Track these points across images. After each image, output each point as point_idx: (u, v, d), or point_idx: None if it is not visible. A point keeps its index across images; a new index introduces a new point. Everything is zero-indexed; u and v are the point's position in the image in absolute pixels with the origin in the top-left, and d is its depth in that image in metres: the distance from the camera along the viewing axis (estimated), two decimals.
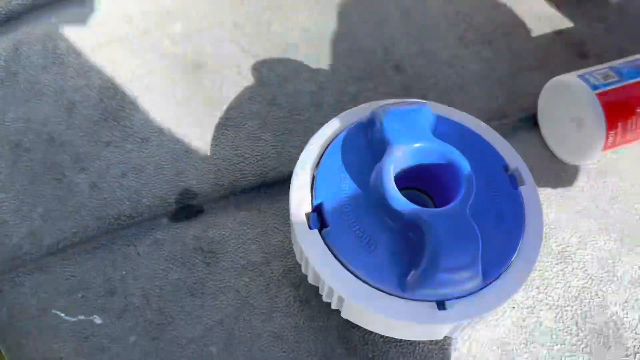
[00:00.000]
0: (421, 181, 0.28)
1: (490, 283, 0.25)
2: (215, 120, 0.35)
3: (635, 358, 0.30)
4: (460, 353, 0.29)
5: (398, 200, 0.25)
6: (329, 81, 0.37)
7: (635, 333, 0.30)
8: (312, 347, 0.29)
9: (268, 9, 0.39)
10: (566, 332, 0.30)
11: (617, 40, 0.40)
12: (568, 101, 0.33)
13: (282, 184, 0.33)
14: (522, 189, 0.28)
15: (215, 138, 0.34)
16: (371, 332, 0.29)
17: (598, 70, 0.33)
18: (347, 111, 0.29)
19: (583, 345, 0.30)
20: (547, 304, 0.31)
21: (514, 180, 0.28)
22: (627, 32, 0.41)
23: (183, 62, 0.37)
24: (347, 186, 0.27)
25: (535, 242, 0.26)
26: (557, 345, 0.30)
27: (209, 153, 0.34)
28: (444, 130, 0.29)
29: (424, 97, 0.37)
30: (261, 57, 0.37)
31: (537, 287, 0.31)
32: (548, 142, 0.36)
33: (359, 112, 0.29)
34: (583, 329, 0.30)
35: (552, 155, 0.35)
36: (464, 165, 0.26)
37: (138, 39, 0.38)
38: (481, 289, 0.25)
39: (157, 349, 0.29)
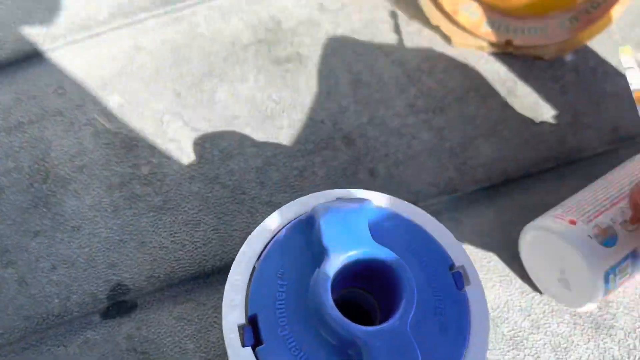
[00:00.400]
0: (363, 280, 0.27)
1: None
2: (152, 204, 0.33)
3: None
4: None
5: (335, 318, 0.23)
6: (275, 156, 0.35)
7: None
8: None
9: (212, 77, 0.38)
10: None
11: (572, 100, 0.40)
12: (566, 264, 0.30)
13: (223, 272, 0.31)
14: (467, 288, 0.27)
15: (151, 224, 0.32)
16: None
17: (621, 260, 0.28)
18: (288, 205, 0.28)
19: None
20: None
21: (459, 280, 0.27)
22: (582, 91, 0.40)
23: (119, 140, 0.35)
24: (284, 295, 0.25)
25: (480, 352, 0.25)
26: None
27: (144, 241, 0.32)
28: (388, 226, 0.27)
29: (372, 171, 0.35)
30: (203, 130, 0.35)
31: None
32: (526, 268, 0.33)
33: (300, 207, 0.28)
34: None
35: (506, 230, 0.34)
36: (406, 278, 0.24)
37: (72, 114, 0.35)
38: None
39: None
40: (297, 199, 0.28)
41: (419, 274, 0.26)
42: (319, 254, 0.25)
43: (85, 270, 0.31)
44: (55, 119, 0.35)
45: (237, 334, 0.24)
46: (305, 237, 0.26)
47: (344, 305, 0.25)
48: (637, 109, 0.27)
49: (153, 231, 0.32)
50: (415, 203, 0.35)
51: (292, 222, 0.27)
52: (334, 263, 0.24)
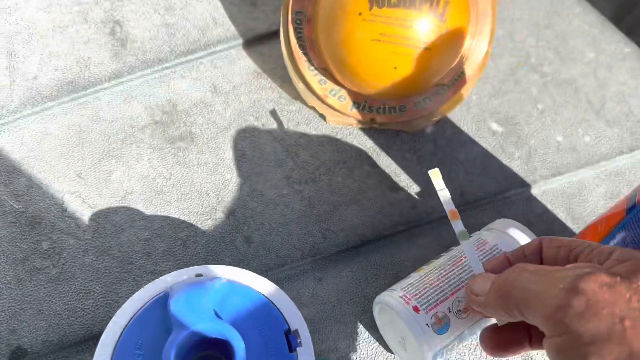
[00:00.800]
0: (215, 346, 0.33)
1: None
2: (50, 276, 0.38)
3: None
4: None
5: None
6: (162, 227, 0.41)
7: None
8: None
9: (111, 158, 0.43)
10: None
11: (426, 169, 0.46)
12: (406, 338, 0.35)
13: None
14: (299, 350, 0.33)
15: (48, 294, 0.38)
16: None
17: (449, 343, 0.34)
18: (151, 284, 0.34)
19: None
20: None
21: (293, 342, 0.33)
22: (437, 160, 0.47)
23: (24, 218, 0.40)
24: None
25: None
26: None
27: (41, 309, 0.37)
28: (234, 299, 0.33)
29: (248, 238, 0.41)
30: (99, 207, 0.41)
31: None
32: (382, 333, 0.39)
33: (162, 285, 0.34)
34: None
35: (359, 287, 0.41)
36: (239, 348, 0.30)
37: None
38: None
39: None
40: (160, 277, 0.34)
41: (257, 338, 0.32)
42: (171, 328, 0.31)
43: None
44: None
45: None
46: (162, 312, 0.32)
47: None
48: (452, 224, 0.32)
49: (49, 300, 0.37)
50: (282, 266, 0.41)
51: (153, 299, 0.33)
52: (179, 337, 0.30)
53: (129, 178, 0.43)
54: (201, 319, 0.31)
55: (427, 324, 0.34)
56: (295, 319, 0.34)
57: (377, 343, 0.39)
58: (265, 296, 0.34)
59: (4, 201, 0.41)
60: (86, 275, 0.39)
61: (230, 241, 0.41)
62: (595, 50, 0.54)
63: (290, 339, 0.33)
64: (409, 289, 0.35)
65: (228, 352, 0.32)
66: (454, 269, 0.36)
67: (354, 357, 0.38)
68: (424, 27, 0.39)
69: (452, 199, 0.45)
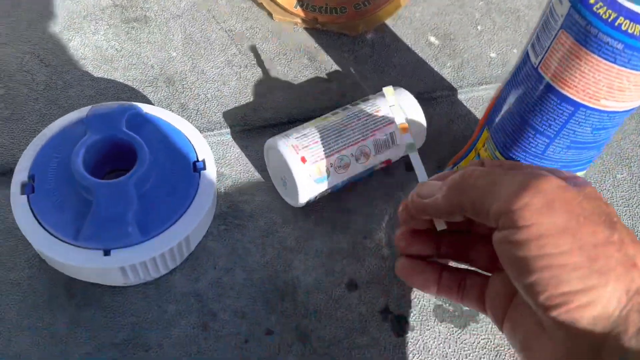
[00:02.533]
0: (124, 162, 0.37)
1: (152, 238, 0.34)
2: (3, 115, 0.43)
3: None
4: (161, 299, 0.37)
5: (79, 171, 0.33)
6: (107, 88, 0.45)
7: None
8: (41, 292, 0.37)
9: (71, 30, 0.48)
10: (251, 287, 0.38)
11: (362, 68, 0.50)
12: (289, 181, 0.40)
13: None
14: (203, 173, 0.36)
15: None
16: (92, 282, 0.37)
17: (326, 188, 0.39)
18: (78, 110, 0.38)
19: (261, 297, 0.38)
20: (242, 267, 0.39)
21: (198, 166, 0.37)
22: (373, 62, 0.51)
23: None
24: (55, 163, 0.35)
25: (200, 211, 0.35)
26: (241, 297, 0.38)
27: None
28: (151, 127, 0.37)
29: (184, 105, 0.46)
30: (53, 66, 0.46)
31: (239, 254, 0.40)
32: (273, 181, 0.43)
33: (84, 111, 0.38)
34: (266, 286, 0.39)
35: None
36: (141, 151, 0.34)
37: None
38: (142, 242, 0.33)
39: None
40: (92, 105, 0.38)
41: (165, 159, 0.36)
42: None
43: None
44: None
45: (20, 187, 0.34)
46: (84, 129, 0.37)
47: None
48: (401, 137, 0.36)
49: None
50: (211, 130, 0.45)
51: (78, 119, 0.37)
52: (89, 139, 0.34)
53: (84, 47, 0.47)
54: (112, 128, 0.35)
55: (309, 175, 0.38)
56: (205, 151, 0.38)
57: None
58: (180, 130, 0.38)
59: None
60: (33, 118, 0.43)
61: (167, 105, 0.45)
62: None
63: (197, 164, 0.37)
64: (302, 140, 0.39)
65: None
66: (346, 130, 0.40)
67: (265, 209, 0.42)
68: None
69: (374, 90, 0.49)
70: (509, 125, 0.36)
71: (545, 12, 0.32)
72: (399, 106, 0.36)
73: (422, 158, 0.34)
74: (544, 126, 0.33)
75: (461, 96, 0.50)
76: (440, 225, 0.32)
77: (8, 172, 0.41)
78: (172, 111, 0.45)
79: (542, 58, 0.32)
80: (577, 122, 0.32)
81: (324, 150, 0.39)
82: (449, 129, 0.48)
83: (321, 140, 0.39)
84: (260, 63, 0.49)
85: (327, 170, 0.39)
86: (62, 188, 0.34)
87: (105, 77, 0.46)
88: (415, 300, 0.39)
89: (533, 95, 0.33)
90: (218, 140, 0.44)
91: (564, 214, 0.24)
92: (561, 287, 0.24)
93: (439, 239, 0.33)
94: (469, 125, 0.48)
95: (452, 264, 0.34)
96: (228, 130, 0.45)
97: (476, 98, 0.50)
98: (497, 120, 0.37)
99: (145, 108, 0.38)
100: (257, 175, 0.43)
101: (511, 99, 0.35)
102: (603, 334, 0.23)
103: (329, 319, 0.38)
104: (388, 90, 0.37)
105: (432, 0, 0.55)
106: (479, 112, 0.49)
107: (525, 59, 0.34)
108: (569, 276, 0.24)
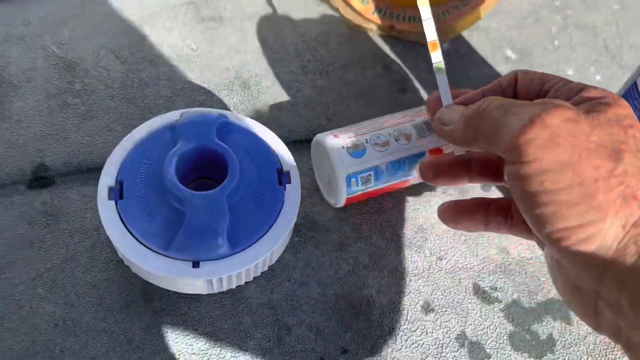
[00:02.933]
0: (210, 170, 0.36)
1: (240, 251, 0.33)
2: (79, 112, 0.43)
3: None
4: (237, 310, 0.37)
5: (171, 181, 0.33)
6: (183, 89, 0.45)
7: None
8: (117, 296, 0.37)
9: (146, 26, 0.47)
10: (325, 303, 0.38)
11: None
12: (328, 166, 0.38)
13: None
14: (288, 186, 0.36)
15: (75, 126, 0.42)
16: (168, 289, 0.37)
17: (366, 166, 0.37)
18: (165, 114, 0.37)
19: (336, 314, 0.38)
20: (316, 281, 0.39)
21: (283, 179, 0.36)
22: (448, 73, 0.49)
23: (63, 62, 0.45)
24: (145, 170, 0.35)
25: (285, 226, 0.34)
26: (316, 312, 0.38)
27: (67, 137, 0.41)
28: (236, 135, 0.37)
29: (259, 111, 0.45)
30: (129, 62, 0.45)
31: (312, 267, 0.39)
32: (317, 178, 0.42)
33: (176, 115, 0.37)
34: (341, 302, 0.38)
35: None
36: (232, 164, 0.34)
37: (31, 40, 0.45)
38: (229, 255, 0.33)
39: None
40: (173, 111, 0.38)
41: (252, 170, 0.36)
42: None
43: (19, 152, 0.41)
44: (18, 43, 0.45)
45: (107, 192, 0.34)
46: (172, 135, 0.36)
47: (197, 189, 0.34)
48: (431, 56, 0.33)
49: (75, 131, 0.42)
50: (287, 137, 0.44)
51: (166, 123, 0.37)
52: (182, 148, 0.34)
53: (159, 44, 0.47)
54: (202, 137, 0.35)
55: (342, 146, 0.37)
56: (289, 162, 0.37)
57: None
58: (265, 139, 0.37)
59: (47, 47, 0.45)
60: (110, 116, 0.43)
61: (242, 110, 0.45)
62: (621, 3, 0.55)
63: (282, 177, 0.36)
64: (339, 130, 0.39)
65: (223, 176, 0.35)
66: (384, 116, 0.40)
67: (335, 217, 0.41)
68: None
69: None
70: None
71: None
72: (432, 20, 0.32)
73: None
74: None
75: None
76: (459, 151, 0.31)
77: (85, 171, 0.41)
78: (248, 117, 0.45)
79: None
80: None
81: (359, 130, 0.39)
82: None
83: (356, 125, 0.39)
84: (333, 70, 0.48)
85: (363, 145, 0.37)
86: (150, 196, 0.33)
87: (181, 77, 0.45)
88: (492, 327, 0.38)
89: None
90: (292, 149, 0.44)
91: (567, 148, 0.25)
92: (561, 223, 0.25)
93: (468, 161, 0.33)
94: None
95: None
96: (303, 138, 0.44)
97: None
98: None
99: (231, 116, 0.37)
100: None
101: None
102: (604, 265, 0.24)
103: (404, 342, 0.37)
104: (422, 2, 0.32)
105: (508, 12, 0.54)
106: None
107: (632, 89, 0.33)
108: (567, 212, 0.24)
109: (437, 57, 0.32)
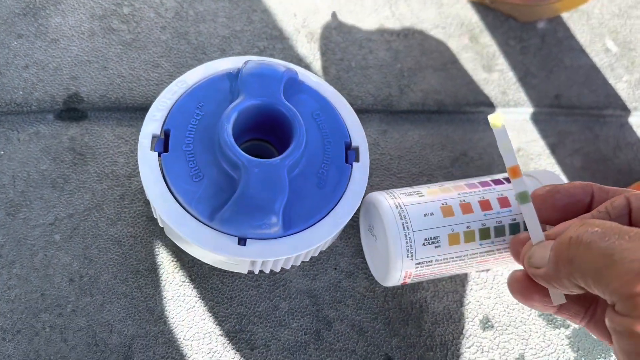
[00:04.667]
0: (267, 132, 0.31)
1: (293, 234, 0.28)
2: (123, 39, 0.37)
3: None
4: (274, 293, 0.33)
5: (228, 142, 0.27)
6: (243, 31, 0.39)
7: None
8: (143, 257, 0.32)
9: None
10: (373, 300, 0.33)
11: (528, 62, 0.43)
12: (382, 234, 0.30)
13: None
14: (355, 165, 0.31)
15: (117, 55, 0.37)
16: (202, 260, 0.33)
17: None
18: (224, 59, 0.32)
19: (383, 315, 0.33)
20: (365, 273, 0.34)
21: (351, 156, 0.31)
22: (541, 56, 0.43)
23: None
24: (197, 122, 0.29)
25: (348, 211, 0.29)
26: (361, 309, 0.33)
27: (107, 66, 0.36)
28: (304, 99, 0.31)
29: (325, 70, 0.39)
30: None
31: (363, 257, 0.34)
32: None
33: (237, 62, 0.32)
34: (390, 302, 0.34)
35: (424, 152, 0.38)
36: (299, 130, 0.28)
37: None
38: (282, 236, 0.28)
39: (7, 223, 0.32)
40: (239, 56, 0.32)
41: (318, 141, 0.30)
42: (236, 99, 0.30)
43: (52, 76, 0.35)
44: None
45: (150, 141, 0.29)
46: (231, 84, 0.31)
47: (249, 151, 0.29)
48: (512, 183, 0.26)
49: (117, 61, 0.36)
50: (351, 105, 0.38)
51: (224, 71, 0.31)
52: (244, 103, 0.29)
53: None
54: (267, 94, 0.29)
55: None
56: (359, 137, 0.32)
57: None
58: (335, 107, 0.32)
59: None
60: (158, 50, 0.37)
61: (305, 65, 0.39)
62: None
63: (350, 153, 0.31)
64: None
65: (282, 142, 0.30)
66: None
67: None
68: None
69: (544, 97, 0.42)
70: None
71: None
72: (511, 144, 0.25)
73: None
74: None
75: (633, 119, 0.43)
76: (558, 299, 0.25)
77: (123, 109, 0.36)
78: (311, 71, 0.39)
79: None
80: None
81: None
82: (614, 155, 0.41)
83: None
84: (413, 34, 0.42)
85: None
86: (200, 153, 0.28)
87: (242, 17, 0.39)
88: (555, 354, 0.34)
89: None
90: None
91: None
92: None
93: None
94: (636, 155, 0.41)
95: None
96: (369, 109, 0.39)
97: None
98: None
99: (300, 73, 0.32)
100: (392, 167, 0.37)
101: None
102: None
103: (455, 358, 0.33)
104: (495, 118, 0.25)
105: (614, 0, 0.47)
106: None
107: None
108: None
109: (520, 186, 0.26)
